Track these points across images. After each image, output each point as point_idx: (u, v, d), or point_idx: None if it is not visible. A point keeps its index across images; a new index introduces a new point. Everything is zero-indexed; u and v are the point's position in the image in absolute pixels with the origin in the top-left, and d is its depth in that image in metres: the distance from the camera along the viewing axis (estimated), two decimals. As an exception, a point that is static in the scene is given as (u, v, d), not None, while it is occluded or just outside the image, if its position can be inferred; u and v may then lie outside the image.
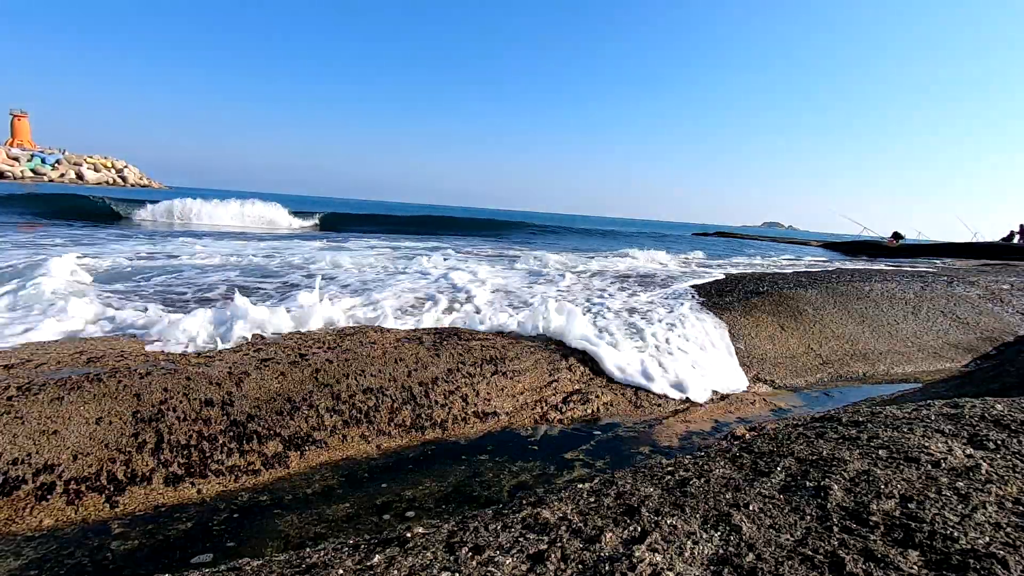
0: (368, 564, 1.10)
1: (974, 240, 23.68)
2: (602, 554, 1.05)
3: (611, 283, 6.27)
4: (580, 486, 1.44)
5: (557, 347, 3.41)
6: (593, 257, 10.46)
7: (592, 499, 1.33)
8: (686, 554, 1.04)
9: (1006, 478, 1.28)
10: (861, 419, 1.84)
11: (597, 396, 3.07)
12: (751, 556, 1.02)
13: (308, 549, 1.27)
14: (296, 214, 17.10)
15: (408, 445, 2.42)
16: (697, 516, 1.19)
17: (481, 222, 22.31)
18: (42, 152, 63.52)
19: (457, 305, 4.42)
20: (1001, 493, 1.21)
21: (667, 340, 3.81)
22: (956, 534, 1.05)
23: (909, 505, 1.17)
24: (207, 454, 2.07)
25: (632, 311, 4.54)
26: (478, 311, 4.22)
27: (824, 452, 1.52)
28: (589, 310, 4.52)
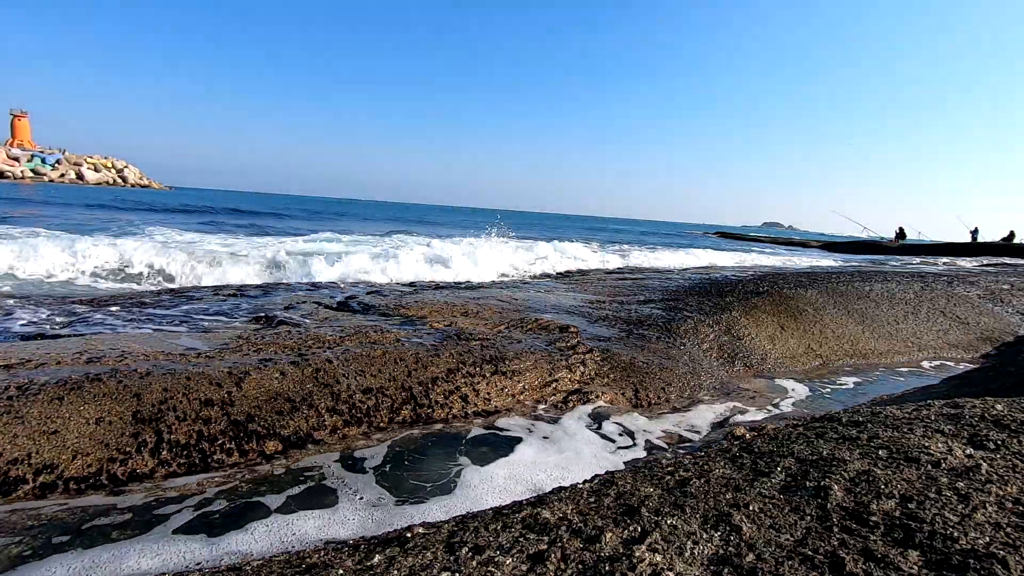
0: (368, 564, 1.10)
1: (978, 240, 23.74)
2: (602, 554, 1.05)
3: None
4: (580, 486, 1.44)
5: (557, 347, 3.41)
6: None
7: (592, 499, 1.33)
8: (686, 554, 1.04)
9: (1006, 478, 1.28)
10: (861, 419, 1.84)
11: (597, 396, 3.07)
12: (751, 556, 1.01)
13: (308, 549, 1.27)
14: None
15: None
16: (697, 516, 1.19)
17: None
18: (42, 152, 63.50)
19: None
20: (1001, 493, 1.21)
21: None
22: (956, 534, 1.04)
23: (909, 505, 1.17)
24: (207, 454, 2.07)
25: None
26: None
27: (824, 452, 1.52)
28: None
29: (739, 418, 3.06)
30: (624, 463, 2.35)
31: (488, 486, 2.04)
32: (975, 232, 24.11)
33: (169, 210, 23.00)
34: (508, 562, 1.05)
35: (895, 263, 13.80)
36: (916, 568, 0.95)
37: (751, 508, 1.21)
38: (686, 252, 15.16)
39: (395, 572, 1.05)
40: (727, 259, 14.41)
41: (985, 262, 14.06)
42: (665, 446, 2.61)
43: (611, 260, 11.66)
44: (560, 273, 8.84)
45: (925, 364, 4.52)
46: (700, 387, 3.44)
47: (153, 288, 5.59)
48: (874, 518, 1.12)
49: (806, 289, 5.55)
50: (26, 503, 1.74)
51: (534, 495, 1.45)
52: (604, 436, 2.64)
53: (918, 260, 15.63)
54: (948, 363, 4.58)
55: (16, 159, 58.40)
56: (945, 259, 16.18)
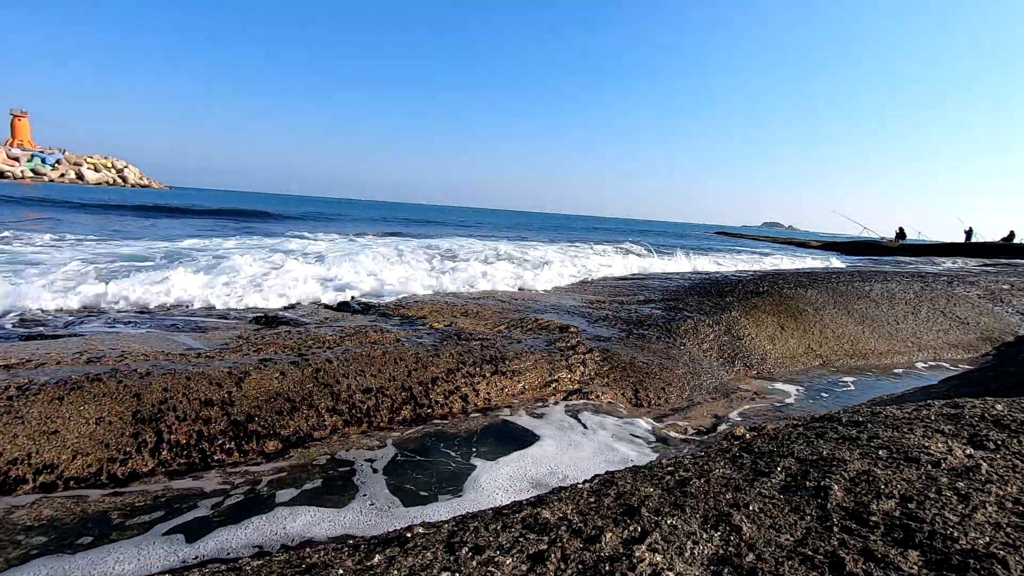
0: (368, 564, 1.10)
1: (974, 240, 23.76)
2: (602, 554, 1.05)
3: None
4: (580, 486, 1.44)
5: (557, 347, 3.41)
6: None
7: (592, 499, 1.33)
8: (686, 554, 1.04)
9: (1006, 478, 1.28)
10: (861, 419, 1.84)
11: (597, 396, 3.07)
12: (751, 556, 1.01)
13: (308, 549, 1.27)
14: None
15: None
16: (697, 516, 1.19)
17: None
18: (42, 152, 63.57)
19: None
20: (1001, 493, 1.21)
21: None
22: (956, 534, 1.04)
23: (909, 505, 1.17)
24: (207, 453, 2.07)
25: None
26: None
27: (824, 452, 1.52)
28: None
29: (739, 418, 3.06)
30: (624, 463, 2.35)
31: (494, 486, 2.04)
32: (969, 232, 24.18)
33: (163, 210, 22.85)
34: (508, 562, 1.05)
35: (907, 264, 13.75)
36: (916, 568, 0.95)
37: (751, 508, 1.21)
38: (768, 258, 15.70)
39: (395, 572, 1.05)
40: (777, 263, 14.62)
41: (986, 262, 14.03)
42: (665, 446, 2.60)
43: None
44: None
45: (925, 364, 4.51)
46: (700, 387, 3.44)
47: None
48: (874, 518, 1.12)
49: (806, 289, 5.55)
50: (25, 503, 1.74)
51: (535, 495, 1.45)
52: (604, 436, 2.64)
53: (934, 263, 15.48)
54: (948, 363, 4.58)
55: (16, 159, 58.46)
56: (948, 260, 16.15)
